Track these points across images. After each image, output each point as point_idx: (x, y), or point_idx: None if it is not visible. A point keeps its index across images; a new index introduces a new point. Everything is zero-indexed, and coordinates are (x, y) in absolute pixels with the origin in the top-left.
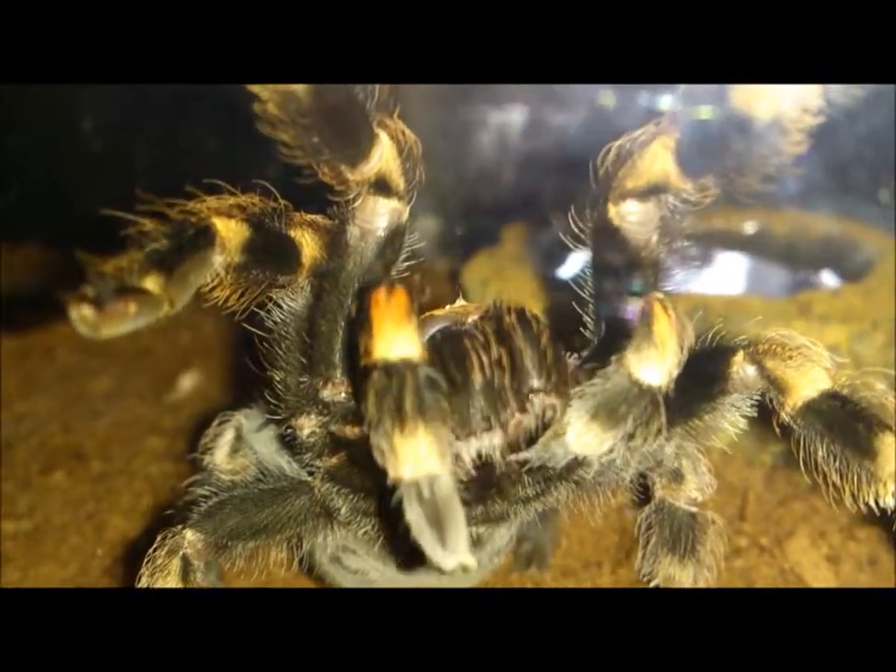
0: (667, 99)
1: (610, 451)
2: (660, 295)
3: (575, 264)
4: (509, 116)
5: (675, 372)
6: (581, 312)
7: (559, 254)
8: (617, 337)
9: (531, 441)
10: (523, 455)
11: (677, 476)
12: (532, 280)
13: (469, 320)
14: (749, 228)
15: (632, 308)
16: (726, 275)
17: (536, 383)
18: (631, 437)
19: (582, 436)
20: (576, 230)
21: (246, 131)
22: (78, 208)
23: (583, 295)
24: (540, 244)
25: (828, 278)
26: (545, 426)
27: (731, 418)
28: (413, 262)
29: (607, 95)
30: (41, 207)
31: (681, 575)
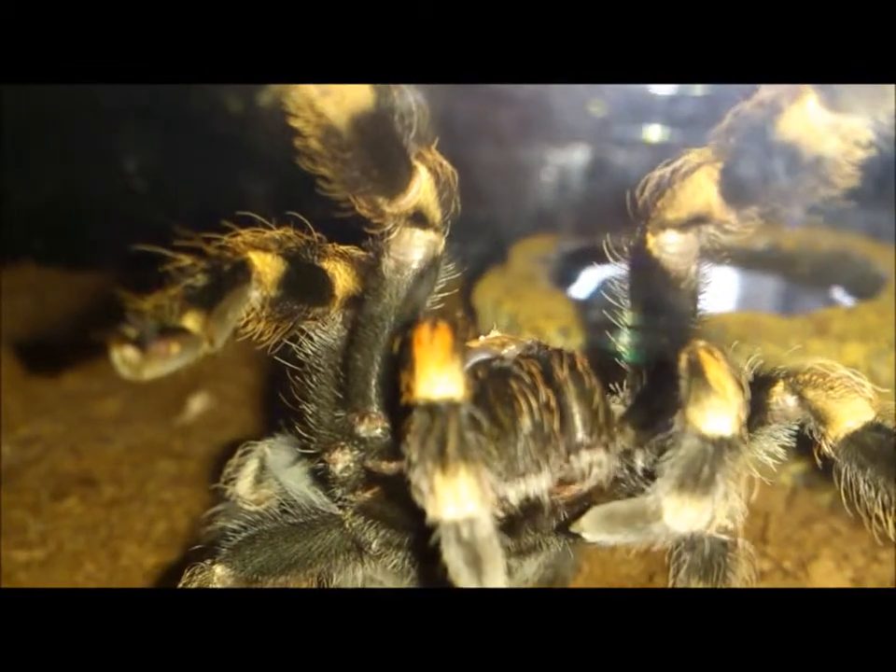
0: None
1: (713, 519)
2: (701, 342)
3: (589, 283)
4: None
5: (744, 415)
6: (614, 341)
7: (571, 272)
8: (662, 380)
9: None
10: (618, 542)
11: None
12: (546, 300)
13: (507, 353)
14: (761, 244)
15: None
16: (739, 293)
17: (583, 438)
18: (725, 493)
19: (680, 513)
20: (611, 259)
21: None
22: (82, 229)
23: (619, 325)
24: (552, 262)
25: (840, 295)
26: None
27: (769, 448)
28: (449, 294)
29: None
30: (43, 228)
31: None
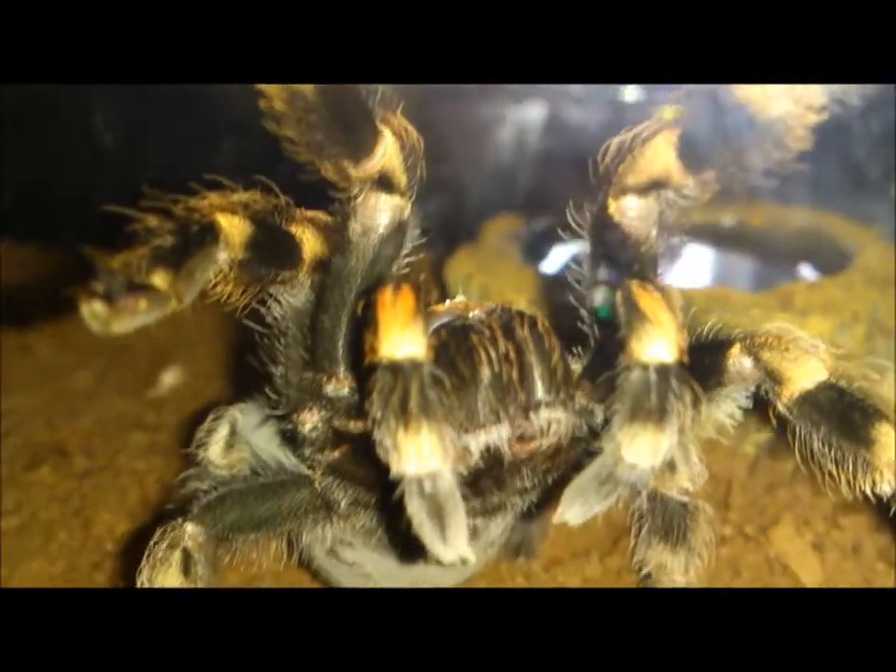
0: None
1: (669, 450)
2: (633, 279)
3: (558, 258)
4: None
5: (683, 342)
6: (577, 306)
7: (541, 248)
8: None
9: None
10: (600, 510)
11: (669, 466)
12: (516, 274)
13: (473, 316)
14: (728, 220)
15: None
16: (705, 268)
17: (542, 395)
18: (678, 423)
19: (635, 444)
20: (573, 224)
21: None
22: (56, 204)
23: (580, 289)
24: (522, 237)
25: (807, 271)
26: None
27: (727, 409)
28: (414, 258)
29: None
30: (16, 203)
31: (673, 562)
